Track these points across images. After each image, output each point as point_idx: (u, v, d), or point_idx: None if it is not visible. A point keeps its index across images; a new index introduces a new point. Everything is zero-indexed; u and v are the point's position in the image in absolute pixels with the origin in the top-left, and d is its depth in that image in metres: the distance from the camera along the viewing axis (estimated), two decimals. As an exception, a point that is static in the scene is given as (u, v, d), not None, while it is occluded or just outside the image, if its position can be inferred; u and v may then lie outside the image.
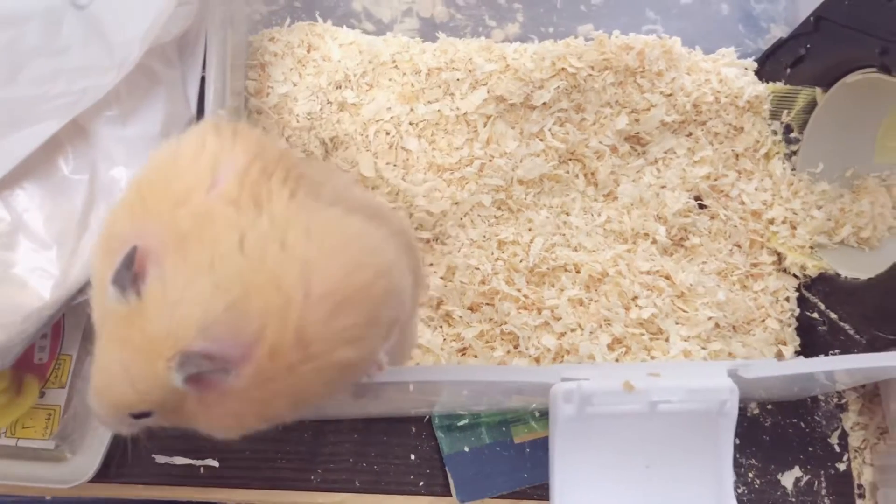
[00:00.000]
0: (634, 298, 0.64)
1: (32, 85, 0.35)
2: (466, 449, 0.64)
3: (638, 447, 0.47)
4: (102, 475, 0.58)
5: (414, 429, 0.65)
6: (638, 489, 0.47)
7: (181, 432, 0.61)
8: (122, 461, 0.59)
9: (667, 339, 0.63)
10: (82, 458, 0.57)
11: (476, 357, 0.62)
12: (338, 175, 0.41)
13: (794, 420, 0.72)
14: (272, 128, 0.64)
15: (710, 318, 0.64)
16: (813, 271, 0.68)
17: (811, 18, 0.67)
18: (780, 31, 0.77)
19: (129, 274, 0.33)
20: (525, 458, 0.65)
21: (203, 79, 0.46)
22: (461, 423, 0.65)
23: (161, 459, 0.60)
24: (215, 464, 0.61)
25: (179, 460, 0.61)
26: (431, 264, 0.65)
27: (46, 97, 0.35)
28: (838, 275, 0.66)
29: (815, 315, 0.67)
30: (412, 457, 0.64)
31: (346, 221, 0.35)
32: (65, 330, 0.59)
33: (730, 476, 0.47)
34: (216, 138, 0.36)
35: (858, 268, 0.66)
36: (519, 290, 0.64)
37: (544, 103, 0.71)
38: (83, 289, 0.43)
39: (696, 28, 0.77)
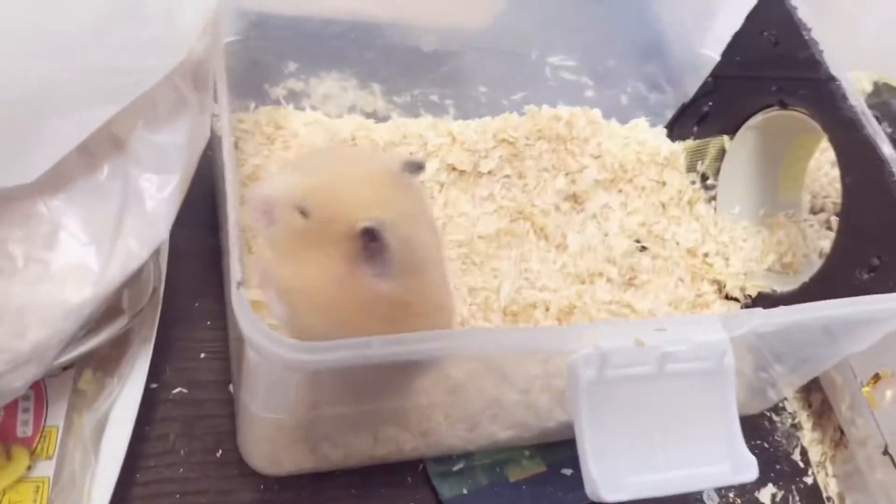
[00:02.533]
0: (604, 324, 0.68)
1: (115, 52, 0.37)
2: (465, 491, 0.64)
3: (653, 412, 0.49)
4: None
5: (410, 479, 0.65)
6: (660, 451, 0.49)
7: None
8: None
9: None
10: (73, 533, 0.53)
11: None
12: None
13: (759, 441, 0.76)
14: (248, 194, 0.67)
15: (673, 337, 0.69)
16: (752, 290, 0.75)
17: (709, 79, 0.79)
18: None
19: None
20: (523, 496, 0.65)
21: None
22: (456, 467, 0.65)
23: (159, 528, 0.57)
24: (212, 528, 0.58)
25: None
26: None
27: (119, 70, 0.38)
28: (774, 291, 0.74)
29: (762, 329, 0.73)
30: (412, 506, 0.63)
31: None
32: (48, 401, 0.57)
33: (738, 430, 0.50)
34: None
35: (789, 286, 0.73)
36: (497, 327, 0.67)
37: (490, 171, 0.78)
38: (118, 289, 0.43)
39: (602, 114, 0.88)
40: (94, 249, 0.41)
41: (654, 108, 0.91)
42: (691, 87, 0.83)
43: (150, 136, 0.43)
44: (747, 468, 0.49)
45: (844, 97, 0.64)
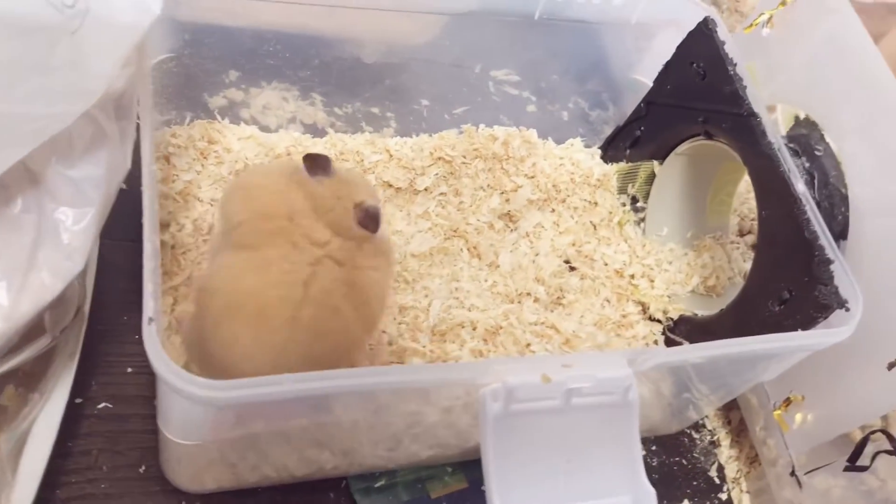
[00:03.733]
0: (528, 345, 0.70)
1: (23, 101, 0.37)
2: (387, 508, 0.66)
3: (558, 444, 0.51)
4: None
5: (332, 494, 0.66)
6: (563, 483, 0.51)
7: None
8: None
9: (561, 379, 0.69)
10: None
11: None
12: None
13: (677, 458, 0.79)
14: (179, 211, 0.67)
15: (595, 358, 0.71)
16: (674, 314, 0.77)
17: (642, 104, 0.81)
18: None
19: None
20: (443, 512, 0.67)
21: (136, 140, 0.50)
22: (378, 484, 0.67)
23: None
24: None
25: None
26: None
27: (28, 117, 0.38)
28: (695, 314, 0.76)
29: (682, 351, 0.75)
30: (334, 524, 0.65)
31: None
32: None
33: (640, 461, 0.52)
34: None
35: (710, 309, 0.76)
36: (424, 347, 0.68)
37: (426, 188, 0.79)
38: (30, 321, 0.44)
39: (543, 130, 0.90)
40: (5, 284, 0.42)
41: (594, 124, 0.92)
42: (630, 108, 0.85)
43: (64, 171, 0.44)
44: (647, 499, 0.52)
45: (763, 134, 0.66)
